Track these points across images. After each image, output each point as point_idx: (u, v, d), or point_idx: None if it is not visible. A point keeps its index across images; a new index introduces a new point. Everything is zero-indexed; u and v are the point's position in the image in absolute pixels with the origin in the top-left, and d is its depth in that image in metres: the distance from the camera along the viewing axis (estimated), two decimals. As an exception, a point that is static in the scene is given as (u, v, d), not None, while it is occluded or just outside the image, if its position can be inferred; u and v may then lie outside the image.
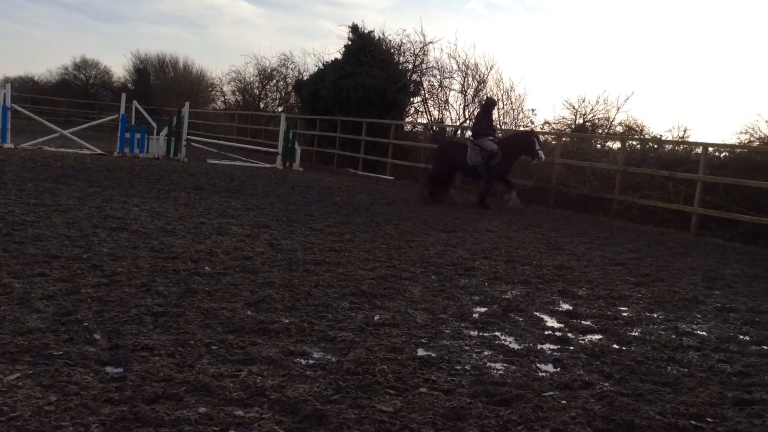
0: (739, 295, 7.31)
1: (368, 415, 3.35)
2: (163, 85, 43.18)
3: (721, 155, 15.06)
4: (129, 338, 4.19)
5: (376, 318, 5.18)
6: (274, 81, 33.83)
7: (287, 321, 4.86)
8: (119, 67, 61.82)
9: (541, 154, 13.67)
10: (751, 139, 15.63)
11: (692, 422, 3.63)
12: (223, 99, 39.66)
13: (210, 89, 42.34)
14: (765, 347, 5.34)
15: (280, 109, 31.66)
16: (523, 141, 13.96)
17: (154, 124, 20.89)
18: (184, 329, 4.47)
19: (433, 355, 4.44)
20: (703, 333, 5.65)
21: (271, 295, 5.48)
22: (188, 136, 20.63)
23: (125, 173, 14.29)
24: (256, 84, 34.72)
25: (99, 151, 19.07)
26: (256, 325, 4.67)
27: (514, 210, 13.94)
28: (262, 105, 34.08)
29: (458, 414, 3.48)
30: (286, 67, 32.49)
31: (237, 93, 36.57)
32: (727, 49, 46.93)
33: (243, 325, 4.65)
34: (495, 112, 15.46)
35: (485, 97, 15.49)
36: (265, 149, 23.66)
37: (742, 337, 5.63)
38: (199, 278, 5.85)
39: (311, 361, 4.13)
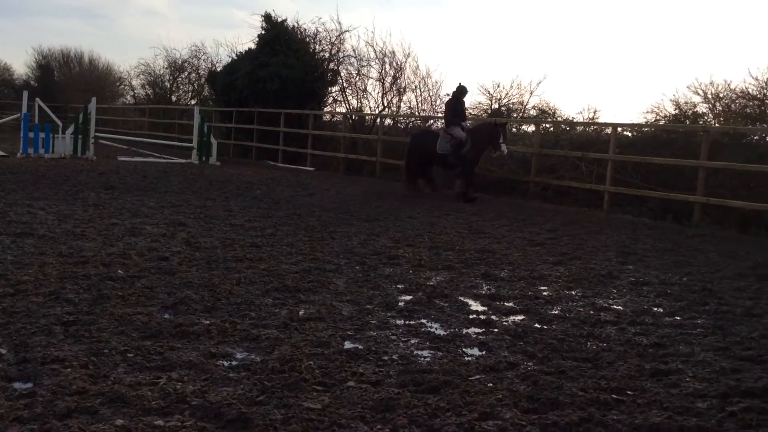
0: (651, 268, 7.60)
1: (295, 414, 3.28)
2: (68, 81, 41.22)
3: (630, 135, 15.63)
4: (38, 351, 3.95)
5: (300, 313, 5.09)
6: (186, 73, 32.89)
7: (208, 322, 4.71)
8: (20, 64, 58.46)
9: (504, 148, 13.29)
10: (657, 117, 16.29)
11: (613, 396, 3.73)
12: (132, 93, 38.34)
13: (118, 83, 40.76)
14: (678, 318, 5.57)
15: (193, 102, 30.80)
16: (491, 132, 13.46)
17: (59, 122, 19.88)
18: (97, 338, 4.25)
19: (360, 347, 4.39)
20: (619, 307, 5.84)
21: (190, 296, 5.30)
22: (96, 134, 19.80)
23: (29, 175, 13.56)
24: (167, 77, 33.68)
25: (1, 153, 18.05)
26: (174, 329, 4.50)
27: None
28: (174, 98, 33.07)
29: (387, 405, 3.45)
30: (198, 59, 31.66)
31: (147, 86, 35.39)
32: (632, 32, 48.75)
33: (160, 330, 4.47)
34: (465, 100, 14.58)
35: (457, 85, 14.53)
36: (179, 144, 22.98)
37: (655, 309, 5.85)
38: (111, 283, 5.59)
39: (234, 363, 4.01)
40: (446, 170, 14.73)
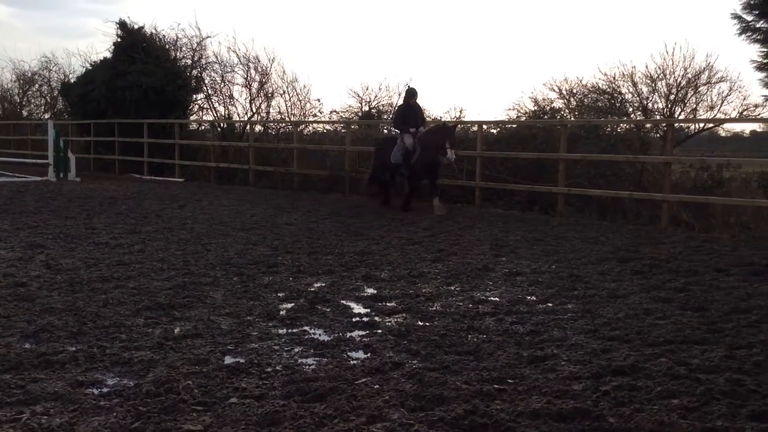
0: (522, 259, 7.91)
1: (175, 439, 3.10)
2: None
3: (495, 132, 16.27)
4: None
5: (176, 331, 4.85)
6: (37, 86, 30.83)
7: (74, 349, 4.38)
8: None
9: (450, 154, 11.66)
10: (519, 114, 17.08)
11: (495, 386, 3.82)
12: (-23, 110, 35.37)
13: (-40, 99, 37.53)
14: (550, 305, 5.81)
15: (47, 115, 28.90)
16: (439, 136, 12.03)
17: None
18: (-54, 377, 3.84)
19: (242, 360, 4.24)
20: (496, 299, 6.02)
21: (53, 323, 4.92)
22: (-63, 154, 18.10)
23: None
24: (16, 90, 31.42)
25: None
26: (36, 359, 4.15)
27: (439, 216, 11.71)
28: (25, 113, 30.89)
29: (272, 419, 3.34)
30: (50, 70, 29.74)
31: (-7, 102, 32.81)
32: (491, 32, 50.95)
33: (21, 361, 4.11)
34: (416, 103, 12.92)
35: (406, 88, 13.29)
36: (34, 161, 21.44)
37: (529, 297, 6.08)
38: (-39, 315, 5.09)
39: (105, 390, 3.74)
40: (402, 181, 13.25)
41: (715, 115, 16.87)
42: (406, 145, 12.43)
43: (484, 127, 14.89)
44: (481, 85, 40.83)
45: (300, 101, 21.53)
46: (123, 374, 4.00)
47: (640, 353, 4.41)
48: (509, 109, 17.51)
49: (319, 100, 22.17)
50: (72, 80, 25.74)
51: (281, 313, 5.42)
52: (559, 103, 16.99)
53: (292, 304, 5.69)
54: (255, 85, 21.74)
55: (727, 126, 19.16)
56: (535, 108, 16.73)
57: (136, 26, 22.09)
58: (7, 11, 58.40)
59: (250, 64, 21.68)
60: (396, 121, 12.92)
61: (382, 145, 13.33)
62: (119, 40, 22.02)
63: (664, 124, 14.25)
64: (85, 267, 6.98)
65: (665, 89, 16.17)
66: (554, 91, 17.07)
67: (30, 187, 16.17)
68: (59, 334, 4.69)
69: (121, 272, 6.74)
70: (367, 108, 20.40)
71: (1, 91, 31.98)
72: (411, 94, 12.83)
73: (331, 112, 20.99)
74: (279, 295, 6.04)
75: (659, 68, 16.14)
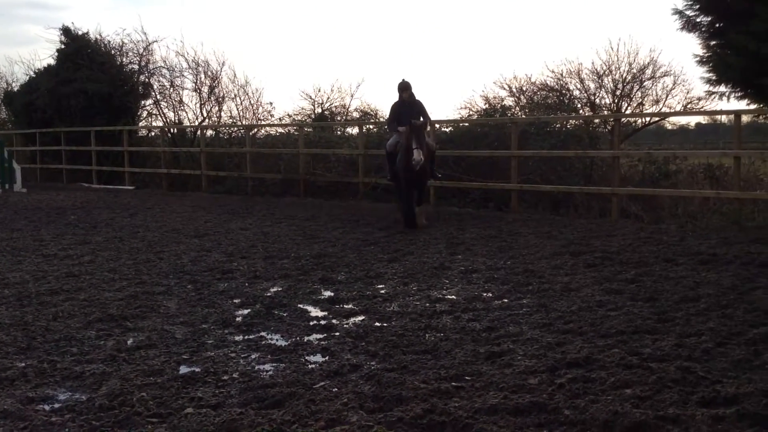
0: (478, 256, 7.98)
1: (130, 453, 3.04)
2: None
3: (447, 130, 16.38)
4: None
5: (129, 342, 4.76)
6: (-23, 95, 29.80)
7: (23, 365, 4.26)
8: None
9: (417, 155, 9.85)
10: (470, 113, 17.23)
11: (453, 384, 3.85)
12: None
13: None
14: (506, 300, 5.88)
15: (-11, 126, 28.01)
16: (406, 136, 10.23)
17: None
18: None
19: (198, 369, 4.18)
20: (453, 297, 6.06)
21: (0, 338, 4.77)
22: None
23: None
24: (-45, 100, 30.31)
25: None
26: (-17, 377, 4.02)
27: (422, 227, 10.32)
28: (-34, 123, 29.86)
29: (229, 428, 3.30)
30: (-9, 79, 28.77)
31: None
32: (442, 31, 51.35)
33: (-34, 380, 3.98)
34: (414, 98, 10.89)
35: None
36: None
37: (485, 294, 6.14)
38: None
39: (57, 405, 3.65)
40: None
41: (660, 109, 17.32)
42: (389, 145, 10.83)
43: (437, 126, 14.98)
44: (432, 84, 41.10)
45: (252, 105, 21.38)
46: (75, 389, 3.90)
47: (593, 345, 4.50)
48: (461, 108, 17.65)
49: (271, 103, 21.99)
50: (15, 89, 25.01)
51: (237, 319, 5.37)
52: (509, 101, 17.22)
53: (249, 310, 5.63)
54: (205, 89, 21.48)
55: (673, 119, 19.68)
56: (487, 106, 16.90)
57: (80, 32, 21.63)
58: (-56, 18, 56.52)
59: (200, 69, 21.41)
60: (388, 121, 11.19)
61: (392, 153, 10.83)
62: (63, 46, 21.51)
63: (611, 119, 14.55)
64: (34, 280, 6.79)
65: (611, 85, 16.54)
66: (504, 89, 17.29)
67: (-27, 200, 15.65)
68: (7, 350, 4.56)
69: (71, 284, 6.57)
70: (319, 110, 20.32)
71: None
72: (402, 87, 10.85)
73: (284, 115, 20.86)
74: (235, 301, 5.98)
75: (605, 64, 16.51)
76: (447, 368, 4.11)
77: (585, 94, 16.79)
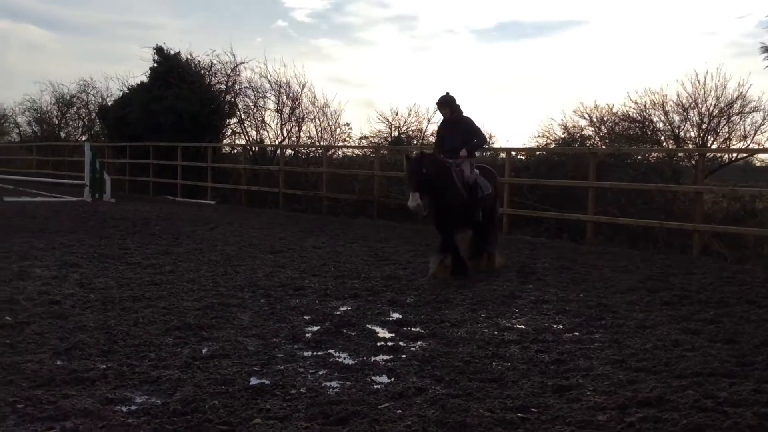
0: (550, 286, 7.86)
1: (200, 457, 3.15)
2: (-54, 119, 38.74)
3: (523, 158, 16.24)
4: None
5: (203, 351, 4.93)
6: (75, 108, 31.58)
7: (104, 366, 4.48)
8: None
9: (410, 200, 7.88)
10: (548, 141, 17.03)
11: (519, 415, 3.81)
12: (17, 131, 36.34)
13: (2, 121, 38.61)
14: (577, 334, 5.77)
15: (83, 137, 29.58)
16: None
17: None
18: (-18, 390, 3.96)
19: (267, 382, 4.29)
20: (522, 326, 5.99)
21: (84, 341, 5.03)
22: (-22, 174, 18.63)
23: None
24: (55, 113, 32.22)
25: None
26: (68, 376, 4.26)
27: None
28: (63, 135, 31.65)
29: (296, 441, 3.38)
30: (87, 93, 30.44)
31: (33, 123, 33.68)
32: (520, 58, 51.12)
33: (53, 377, 4.22)
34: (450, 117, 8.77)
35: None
36: (70, 182, 21.95)
37: (555, 326, 6.05)
38: (-3, 331, 5.23)
39: (133, 408, 3.82)
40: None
41: (748, 145, 16.64)
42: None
43: (513, 153, 14.90)
44: (509, 111, 40.88)
45: (330, 126, 21.78)
46: (151, 392, 4.07)
47: (666, 385, 4.36)
48: (538, 136, 17.46)
49: (348, 124, 22.31)
50: (109, 103, 26.38)
51: (307, 335, 5.47)
52: (589, 131, 16.92)
53: (318, 327, 5.74)
54: (286, 110, 22.07)
55: (762, 156, 18.87)
56: (565, 135, 16.68)
57: (172, 52, 22.68)
58: (50, 36, 60.17)
59: (282, 90, 22.04)
60: (435, 146, 9.29)
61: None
62: (156, 65, 22.59)
63: (696, 154, 14.10)
64: (118, 286, 7.12)
65: (697, 118, 16.00)
66: (584, 118, 17.00)
67: (66, 208, 16.54)
68: (90, 352, 4.80)
69: (152, 292, 6.86)
70: (396, 133, 20.51)
71: (40, 113, 32.83)
72: (441, 102, 8.69)
73: (361, 137, 21.15)
74: (305, 317, 6.10)
75: (690, 96, 15.99)
76: (513, 398, 4.07)
77: (669, 127, 16.32)
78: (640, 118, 16.46)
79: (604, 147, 15.46)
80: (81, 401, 3.84)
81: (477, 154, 9.52)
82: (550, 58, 51.48)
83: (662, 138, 16.33)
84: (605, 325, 6.06)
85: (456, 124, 8.71)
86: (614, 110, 16.86)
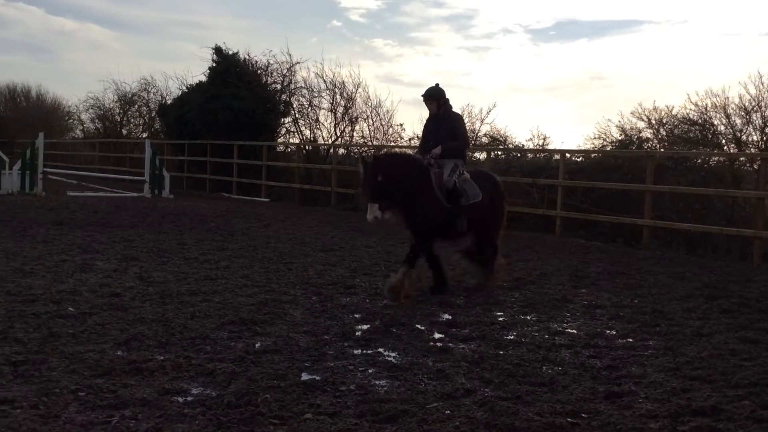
0: (603, 291, 7.75)
1: (252, 449, 3.24)
2: (15, 116, 40.34)
3: (578, 160, 16.01)
4: (-17, 393, 3.83)
5: (257, 345, 5.05)
6: (136, 106, 32.49)
7: (162, 358, 4.63)
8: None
9: (368, 213, 6.89)
10: (604, 143, 16.76)
11: (568, 419, 3.79)
12: (81, 127, 37.60)
13: (67, 118, 40.03)
14: (630, 340, 5.68)
15: (144, 135, 30.43)
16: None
17: (6, 158, 19.40)
18: (48, 377, 4.15)
19: (318, 378, 4.37)
20: (573, 331, 5.93)
21: (143, 332, 5.21)
22: (45, 169, 19.36)
23: (-26, 212, 13.18)
24: (117, 110, 33.20)
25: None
26: (127, 366, 4.42)
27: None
28: (124, 132, 32.63)
29: (346, 437, 3.44)
30: (148, 92, 31.27)
31: (96, 120, 34.75)
32: (574, 59, 50.31)
33: (113, 367, 4.38)
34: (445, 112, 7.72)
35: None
36: (131, 178, 22.65)
37: (608, 332, 5.96)
38: (62, 320, 5.46)
39: (189, 398, 3.94)
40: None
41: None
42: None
43: (567, 155, 14.70)
44: (565, 112, 40.29)
45: (383, 126, 21.89)
46: (206, 384, 4.19)
47: (722, 394, 4.27)
48: (594, 138, 17.19)
49: (401, 125, 22.40)
50: (169, 102, 27.07)
51: (357, 333, 5.54)
52: (647, 133, 16.58)
53: (368, 326, 5.80)
54: (340, 109, 22.28)
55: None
56: (622, 137, 16.37)
57: (230, 52, 23.11)
58: (109, 35, 62.12)
59: (336, 90, 22.25)
60: (420, 145, 8.18)
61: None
62: (214, 64, 23.07)
63: (758, 158, 13.67)
64: (175, 280, 7.33)
65: (760, 121, 15.50)
66: (643, 120, 16.67)
67: (127, 203, 17.07)
68: (149, 343, 4.97)
69: (208, 287, 7.04)
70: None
71: (103, 111, 33.89)
72: (428, 96, 7.64)
73: (413, 137, 21.18)
74: (356, 316, 6.17)
75: (753, 99, 15.50)
76: (563, 403, 4.05)
77: (730, 130, 15.85)
78: (700, 120, 16.06)
79: (662, 150, 15.13)
80: (139, 391, 3.98)
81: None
82: (608, 58, 50.51)
83: (723, 141, 15.88)
84: (660, 332, 5.95)
85: (441, 121, 7.62)
86: (674, 112, 16.50)
